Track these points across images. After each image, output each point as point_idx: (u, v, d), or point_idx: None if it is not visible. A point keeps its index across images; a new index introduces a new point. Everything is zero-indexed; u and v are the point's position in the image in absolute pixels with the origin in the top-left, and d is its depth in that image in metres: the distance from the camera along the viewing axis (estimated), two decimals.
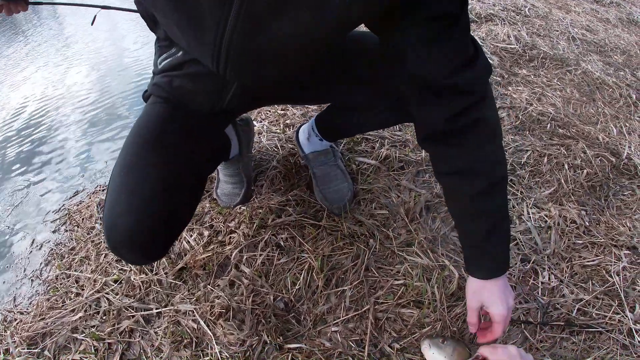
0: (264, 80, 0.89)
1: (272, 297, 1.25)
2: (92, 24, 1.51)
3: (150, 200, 0.93)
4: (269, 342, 1.16)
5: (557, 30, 2.63)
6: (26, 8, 1.30)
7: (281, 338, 1.17)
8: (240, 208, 1.45)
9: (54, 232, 1.69)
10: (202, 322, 1.21)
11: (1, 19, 4.21)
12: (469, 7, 2.65)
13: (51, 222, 1.74)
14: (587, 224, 1.50)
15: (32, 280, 1.52)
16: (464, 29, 0.80)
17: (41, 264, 1.56)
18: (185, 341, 1.20)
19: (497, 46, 2.29)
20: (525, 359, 0.96)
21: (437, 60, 0.81)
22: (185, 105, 1.05)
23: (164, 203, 0.95)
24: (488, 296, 0.98)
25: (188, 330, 1.21)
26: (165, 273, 1.35)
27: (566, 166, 1.66)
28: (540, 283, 1.30)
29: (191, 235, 1.43)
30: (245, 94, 1.04)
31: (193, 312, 1.24)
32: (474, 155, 0.89)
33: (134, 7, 1.04)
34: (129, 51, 2.96)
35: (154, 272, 1.37)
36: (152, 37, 1.08)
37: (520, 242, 1.39)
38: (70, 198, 1.84)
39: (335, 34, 0.78)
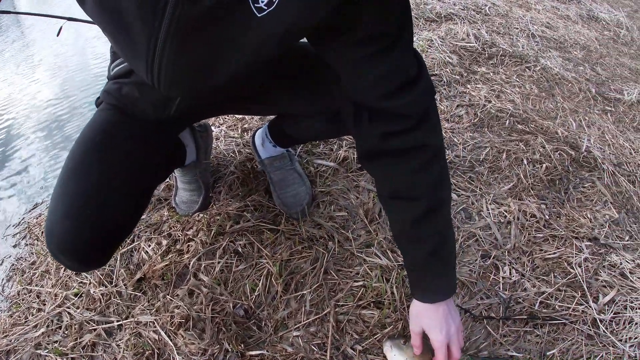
0: (198, 95, 0.88)
1: (231, 305, 1.23)
2: (57, 35, 1.51)
3: (87, 206, 0.92)
4: (230, 350, 1.15)
5: (517, 28, 2.68)
6: None
7: (242, 345, 1.15)
8: (198, 215, 1.43)
9: (14, 246, 1.65)
10: (162, 333, 1.19)
11: None
12: (429, 7, 2.69)
13: (12, 236, 1.70)
14: (547, 217, 1.51)
15: None
16: (404, 50, 0.79)
17: (3, 279, 1.52)
18: (147, 353, 1.17)
19: (457, 45, 2.32)
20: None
21: (371, 84, 0.81)
22: (132, 112, 1.04)
23: (102, 209, 0.93)
24: (427, 322, 0.97)
25: (149, 341, 1.19)
26: (125, 284, 1.33)
27: (525, 161, 1.68)
28: (501, 278, 1.31)
29: (149, 245, 1.40)
30: (191, 106, 1.04)
31: (154, 323, 1.22)
32: (412, 178, 0.89)
33: None
34: (92, 61, 2.91)
35: (113, 284, 1.34)
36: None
37: (480, 238, 1.40)
38: (30, 211, 1.80)
39: (269, 53, 0.77)
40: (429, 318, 0.97)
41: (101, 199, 0.93)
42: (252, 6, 0.67)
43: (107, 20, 0.73)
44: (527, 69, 2.28)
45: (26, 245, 1.64)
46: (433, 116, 0.89)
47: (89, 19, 0.78)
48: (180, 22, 0.67)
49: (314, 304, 1.23)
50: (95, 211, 0.92)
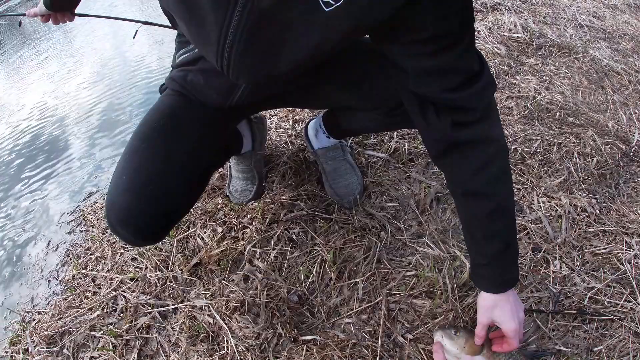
0: (263, 82, 0.91)
1: (285, 291, 1.26)
2: (134, 37, 1.61)
3: (149, 182, 0.96)
4: (283, 334, 1.18)
5: (564, 18, 2.61)
6: (72, 18, 1.38)
7: (295, 330, 1.19)
8: (252, 204, 1.46)
9: (69, 233, 1.72)
10: (217, 317, 1.24)
11: (12, 29, 4.29)
12: None
13: (66, 223, 1.77)
14: (598, 212, 1.49)
15: (49, 281, 1.55)
16: (467, 46, 0.80)
17: (57, 264, 1.59)
18: (201, 336, 1.22)
19: (504, 35, 2.28)
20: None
21: (435, 78, 0.82)
22: (196, 99, 1.08)
23: (164, 186, 0.97)
24: (500, 314, 0.98)
25: (204, 325, 1.24)
26: (180, 269, 1.37)
27: (576, 154, 1.65)
28: (551, 272, 1.30)
29: (205, 232, 1.45)
30: (254, 94, 1.06)
31: (209, 307, 1.27)
32: (483, 173, 0.90)
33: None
34: (138, 61, 2.99)
35: (169, 269, 1.39)
36: (160, 51, 1.10)
37: (531, 231, 1.39)
38: (84, 200, 1.88)
39: (332, 47, 0.79)
40: (502, 309, 0.98)
41: (163, 176, 0.97)
42: (320, 1, 0.70)
43: (182, 10, 0.78)
44: (576, 60, 2.23)
45: (81, 232, 1.70)
46: (495, 112, 0.90)
47: (160, 22, 0.83)
48: (251, 13, 0.72)
49: (367, 292, 1.25)
50: (156, 187, 0.96)
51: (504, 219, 0.93)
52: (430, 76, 0.82)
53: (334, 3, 0.70)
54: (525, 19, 2.46)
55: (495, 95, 1.76)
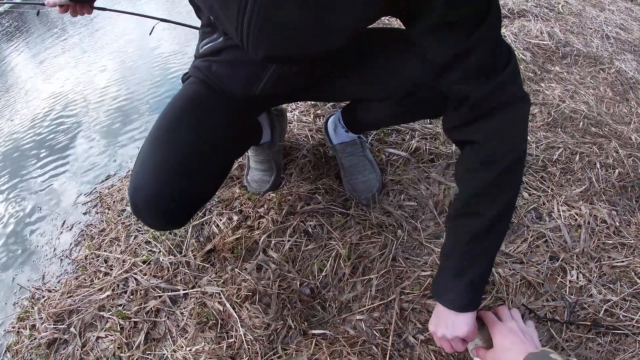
0: (282, 58, 0.91)
1: (298, 283, 1.26)
2: (150, 34, 1.63)
3: (176, 166, 0.96)
4: (293, 327, 1.18)
5: (591, 28, 2.58)
6: (91, 11, 1.39)
7: (306, 324, 1.18)
8: (269, 195, 1.46)
9: (84, 214, 1.73)
10: (228, 305, 1.23)
11: (36, 16, 4.35)
12: (502, 2, 2.62)
13: (82, 204, 1.78)
14: (618, 224, 1.47)
15: (61, 259, 1.56)
16: (489, 31, 0.79)
17: (71, 244, 1.60)
18: (210, 322, 1.22)
19: (530, 42, 2.26)
20: (527, 332, 0.98)
21: (452, 71, 0.82)
22: (220, 88, 1.08)
23: (188, 173, 0.98)
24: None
25: (214, 312, 1.23)
26: (194, 255, 1.38)
27: (598, 165, 1.63)
28: (568, 282, 1.28)
29: (221, 220, 1.44)
30: (275, 86, 1.06)
31: (220, 294, 1.27)
32: (498, 137, 0.87)
33: (189, 22, 1.08)
34: (159, 52, 3.03)
35: (182, 254, 1.39)
36: (181, 45, 1.10)
37: (550, 239, 1.37)
38: (102, 182, 1.89)
39: (349, 27, 0.81)
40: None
41: (188, 164, 0.98)
42: None
43: None
44: (601, 71, 2.20)
45: (97, 213, 1.71)
46: (520, 94, 0.87)
47: (177, 20, 0.84)
48: None
49: (380, 290, 1.24)
50: (182, 174, 0.97)
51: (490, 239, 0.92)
52: (448, 67, 0.82)
53: None
54: (552, 27, 2.43)
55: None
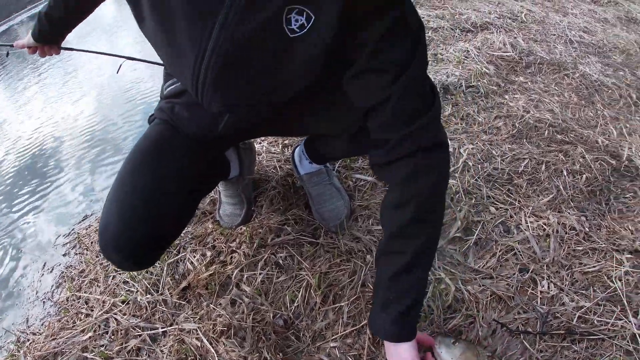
0: (235, 111, 0.97)
1: (271, 315, 1.27)
2: (117, 72, 1.66)
3: (140, 208, 0.99)
4: (269, 358, 1.18)
5: (554, 34, 2.63)
6: (59, 52, 1.41)
7: (281, 354, 1.19)
8: (241, 228, 1.48)
9: (64, 255, 1.74)
10: (205, 340, 1.24)
11: (16, 52, 4.36)
12: (464, 17, 2.67)
13: (62, 245, 1.79)
14: (587, 229, 1.49)
15: (43, 302, 1.57)
16: (414, 77, 0.82)
17: (52, 286, 1.61)
18: (189, 359, 1.23)
19: (493, 55, 2.30)
20: None
21: (375, 116, 0.86)
22: (183, 129, 1.11)
23: (155, 212, 1.01)
24: None
25: (192, 348, 1.24)
26: (170, 293, 1.39)
27: (565, 172, 1.66)
28: (539, 292, 1.29)
29: (194, 256, 1.46)
30: (235, 126, 1.10)
31: (197, 330, 1.27)
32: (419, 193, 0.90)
33: (156, 60, 1.12)
34: (134, 88, 3.05)
35: (159, 292, 1.40)
36: (158, 80, 1.14)
37: (519, 251, 1.39)
38: (80, 222, 1.90)
39: (298, 79, 0.86)
40: None
41: (152, 203, 1.01)
42: (286, 29, 0.77)
43: (161, 39, 0.85)
44: (565, 77, 2.24)
45: (76, 254, 1.72)
46: (440, 139, 0.90)
47: (145, 58, 0.89)
48: (223, 45, 0.78)
49: (352, 316, 1.25)
50: (146, 214, 1.00)
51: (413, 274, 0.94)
52: (372, 112, 0.86)
53: (299, 31, 0.77)
54: (515, 37, 2.48)
55: (482, 115, 1.78)
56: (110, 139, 2.50)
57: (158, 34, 0.85)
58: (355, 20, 0.77)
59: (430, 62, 2.20)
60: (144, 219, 0.99)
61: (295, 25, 0.77)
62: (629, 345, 1.17)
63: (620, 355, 1.16)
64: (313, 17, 0.77)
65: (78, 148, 2.49)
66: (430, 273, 1.31)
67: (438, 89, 2.00)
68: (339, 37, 0.79)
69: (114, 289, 1.47)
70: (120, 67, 1.73)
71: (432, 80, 0.95)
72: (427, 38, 2.36)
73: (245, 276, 1.36)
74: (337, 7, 0.75)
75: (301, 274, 1.33)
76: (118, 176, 1.04)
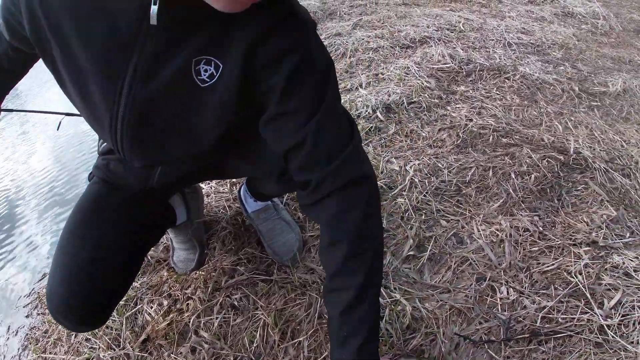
0: (160, 164, 0.98)
1: (232, 358, 1.25)
2: (57, 129, 1.64)
3: (82, 271, 1.00)
4: None
5: (493, 39, 2.70)
6: None
7: None
8: (196, 273, 1.46)
9: (27, 316, 1.70)
10: None
11: None
12: (403, 34, 2.73)
13: (23, 307, 1.74)
14: (541, 228, 1.50)
15: None
16: (327, 118, 0.82)
17: (19, 349, 1.57)
18: None
19: (433, 68, 2.34)
20: None
21: (292, 158, 0.86)
22: (120, 185, 1.12)
23: (96, 274, 1.01)
24: None
25: None
26: (131, 346, 1.35)
27: (513, 175, 1.68)
28: (499, 299, 1.30)
29: (151, 307, 1.43)
30: (168, 177, 1.11)
31: None
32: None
33: None
34: (91, 139, 3.02)
35: (120, 347, 1.37)
36: None
37: (474, 261, 1.40)
38: (39, 281, 1.85)
39: (213, 131, 0.87)
40: None
41: (94, 264, 1.01)
42: (197, 80, 0.78)
43: (80, 101, 0.86)
44: (506, 80, 2.30)
45: (38, 314, 1.68)
46: (365, 172, 0.90)
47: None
48: (134, 102, 0.79)
49: (312, 350, 1.23)
50: (89, 275, 1.00)
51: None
52: (289, 156, 0.86)
53: (209, 80, 0.79)
54: (454, 48, 2.53)
55: (426, 129, 1.79)
56: (67, 194, 2.46)
57: (76, 96, 0.86)
58: (261, 66, 0.78)
59: (371, 82, 2.23)
60: (88, 283, 0.99)
61: (205, 75, 0.78)
62: (598, 337, 1.18)
63: (590, 349, 1.16)
64: (221, 66, 0.78)
65: (31, 205, 2.44)
66: (385, 295, 1.31)
67: (381, 108, 2.04)
68: (247, 84, 0.80)
69: (77, 347, 1.44)
70: (60, 123, 1.71)
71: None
72: (368, 59, 2.41)
73: (203, 322, 1.33)
74: (242, 53, 0.76)
75: (257, 314, 1.31)
76: (60, 239, 1.04)
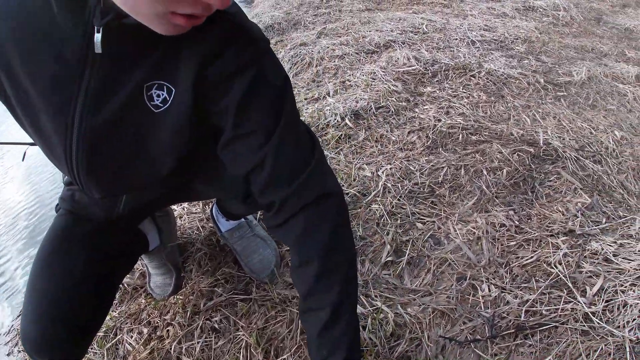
0: (120, 193, 0.98)
1: None
2: (22, 159, 1.61)
3: (53, 308, 0.97)
4: None
5: (456, 39, 2.73)
6: None
7: None
8: (174, 298, 1.43)
9: (8, 355, 1.65)
10: None
11: None
12: (367, 39, 2.74)
13: (4, 344, 1.69)
14: (517, 222, 1.51)
15: None
16: (285, 137, 0.82)
17: None
18: None
19: (399, 71, 2.35)
20: None
21: (254, 180, 0.85)
22: (86, 215, 1.09)
23: (68, 309, 0.98)
24: None
25: None
26: None
27: (485, 172, 1.69)
28: (481, 297, 1.29)
29: (131, 336, 1.39)
30: (133, 204, 1.09)
31: None
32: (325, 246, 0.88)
33: None
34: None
35: None
36: None
37: (453, 261, 1.39)
38: (17, 317, 1.80)
39: (169, 156, 0.85)
40: None
41: (65, 299, 0.98)
42: (150, 105, 0.77)
43: (34, 135, 0.85)
44: (472, 78, 2.32)
45: (19, 352, 1.63)
46: (328, 190, 0.89)
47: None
48: (87, 134, 0.78)
49: None
50: (61, 311, 0.97)
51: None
52: (250, 178, 0.86)
53: (162, 106, 0.77)
54: (418, 50, 2.55)
55: (396, 133, 1.79)
56: (43, 225, 2.41)
57: (30, 130, 0.84)
58: (213, 87, 0.77)
59: (338, 90, 2.23)
60: (60, 319, 0.97)
61: (158, 100, 0.77)
62: (584, 325, 1.18)
63: (576, 338, 1.16)
64: (174, 90, 0.77)
65: (6, 238, 2.39)
66: (366, 304, 1.30)
67: (350, 115, 2.04)
68: (201, 106, 0.78)
69: None
70: (25, 154, 1.68)
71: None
72: (334, 67, 2.41)
73: (185, 347, 1.30)
74: (192, 75, 0.75)
75: (238, 335, 1.28)
76: (29, 277, 1.01)
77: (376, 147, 1.87)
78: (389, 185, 1.65)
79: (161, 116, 0.78)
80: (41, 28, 0.71)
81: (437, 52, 2.55)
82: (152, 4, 0.58)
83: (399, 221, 1.53)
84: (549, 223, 1.51)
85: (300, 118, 0.90)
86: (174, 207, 1.71)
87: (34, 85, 0.75)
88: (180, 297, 1.42)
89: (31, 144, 1.66)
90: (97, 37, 0.68)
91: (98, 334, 1.34)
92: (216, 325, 1.32)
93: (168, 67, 0.75)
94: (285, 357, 1.23)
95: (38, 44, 0.72)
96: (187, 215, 1.70)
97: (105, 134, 0.78)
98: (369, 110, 2.05)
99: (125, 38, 0.70)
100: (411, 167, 1.74)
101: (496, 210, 1.55)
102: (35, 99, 0.77)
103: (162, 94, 0.76)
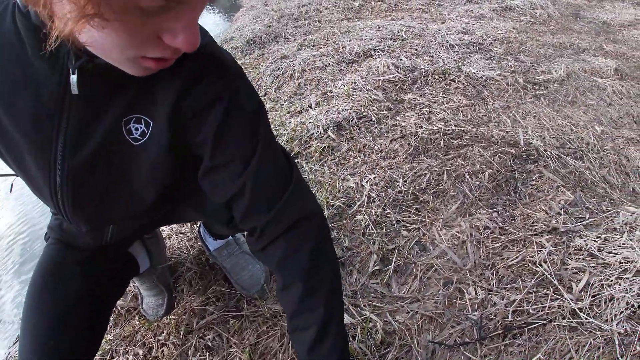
0: (104, 225, 0.99)
1: None
2: (10, 190, 1.62)
3: (48, 339, 0.97)
4: None
5: (435, 44, 2.76)
6: None
7: None
8: (167, 318, 1.44)
9: None
10: None
11: None
12: (347, 49, 2.77)
13: None
14: (501, 224, 1.53)
15: None
16: (264, 158, 0.84)
17: None
18: None
19: (379, 79, 2.38)
20: None
21: (235, 207, 0.88)
22: (75, 244, 1.10)
23: (62, 339, 0.99)
24: None
25: None
26: None
27: (467, 175, 1.72)
28: (467, 300, 1.31)
29: (127, 358, 1.40)
30: (121, 232, 1.11)
31: None
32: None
33: None
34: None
35: None
36: None
37: (439, 266, 1.42)
38: (14, 344, 1.80)
39: (151, 187, 0.87)
40: None
41: (59, 329, 0.99)
42: (128, 139, 0.78)
43: (19, 172, 0.86)
44: (451, 82, 2.35)
45: None
46: (308, 212, 0.91)
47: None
48: (69, 170, 0.79)
49: None
50: (56, 341, 0.98)
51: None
52: (230, 205, 0.88)
53: (141, 138, 0.79)
54: (398, 57, 2.58)
55: (378, 142, 1.81)
56: (35, 253, 2.41)
57: (15, 167, 0.86)
58: (189, 118, 0.79)
59: (320, 102, 2.25)
60: (56, 351, 0.97)
61: (136, 133, 0.79)
62: (572, 322, 1.20)
63: (565, 335, 1.18)
64: (151, 122, 0.79)
65: (6, 266, 2.39)
66: (355, 314, 1.32)
67: (332, 126, 2.06)
68: (178, 138, 0.80)
69: None
70: (12, 185, 1.69)
71: (290, 149, 0.97)
72: (315, 78, 2.43)
73: None
74: (168, 108, 0.77)
75: (232, 352, 1.30)
76: (23, 309, 1.02)
77: (359, 157, 1.89)
78: (373, 195, 1.68)
79: (140, 149, 0.80)
80: (18, 72, 0.73)
81: (417, 58, 2.57)
82: (123, 50, 0.60)
83: (384, 230, 1.56)
84: (533, 222, 1.53)
85: (276, 139, 0.92)
86: (162, 227, 1.73)
87: (16, 127, 0.77)
88: (173, 317, 1.43)
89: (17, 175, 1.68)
90: (73, 78, 0.70)
91: (95, 358, 1.35)
92: (209, 343, 1.34)
93: (144, 102, 0.77)
94: None
95: (16, 87, 0.74)
96: (176, 235, 1.72)
97: (88, 170, 0.80)
98: (351, 121, 2.08)
99: (99, 78, 0.72)
100: (394, 176, 1.76)
101: (480, 213, 1.58)
102: (18, 139, 0.79)
103: (141, 127, 0.78)
